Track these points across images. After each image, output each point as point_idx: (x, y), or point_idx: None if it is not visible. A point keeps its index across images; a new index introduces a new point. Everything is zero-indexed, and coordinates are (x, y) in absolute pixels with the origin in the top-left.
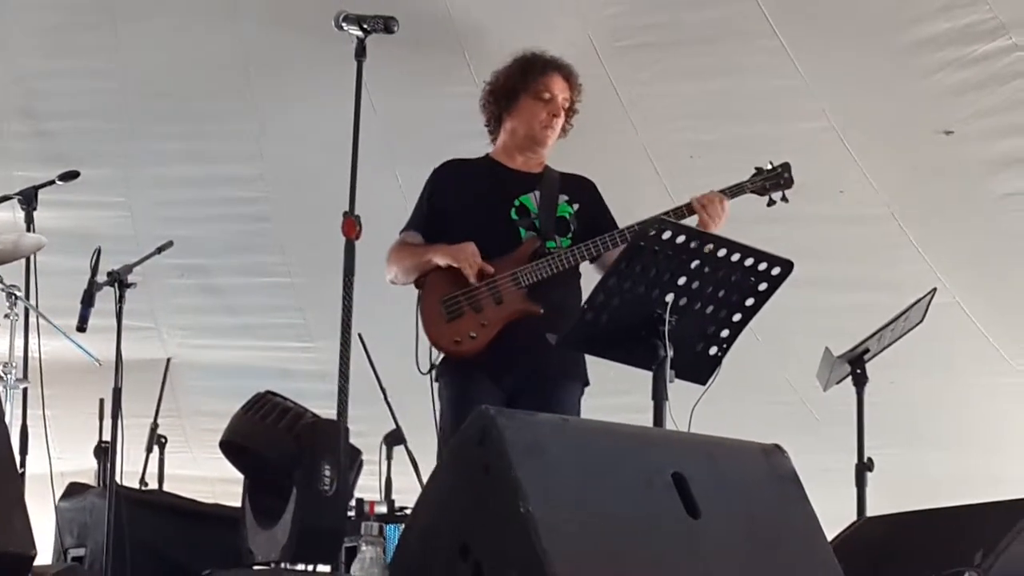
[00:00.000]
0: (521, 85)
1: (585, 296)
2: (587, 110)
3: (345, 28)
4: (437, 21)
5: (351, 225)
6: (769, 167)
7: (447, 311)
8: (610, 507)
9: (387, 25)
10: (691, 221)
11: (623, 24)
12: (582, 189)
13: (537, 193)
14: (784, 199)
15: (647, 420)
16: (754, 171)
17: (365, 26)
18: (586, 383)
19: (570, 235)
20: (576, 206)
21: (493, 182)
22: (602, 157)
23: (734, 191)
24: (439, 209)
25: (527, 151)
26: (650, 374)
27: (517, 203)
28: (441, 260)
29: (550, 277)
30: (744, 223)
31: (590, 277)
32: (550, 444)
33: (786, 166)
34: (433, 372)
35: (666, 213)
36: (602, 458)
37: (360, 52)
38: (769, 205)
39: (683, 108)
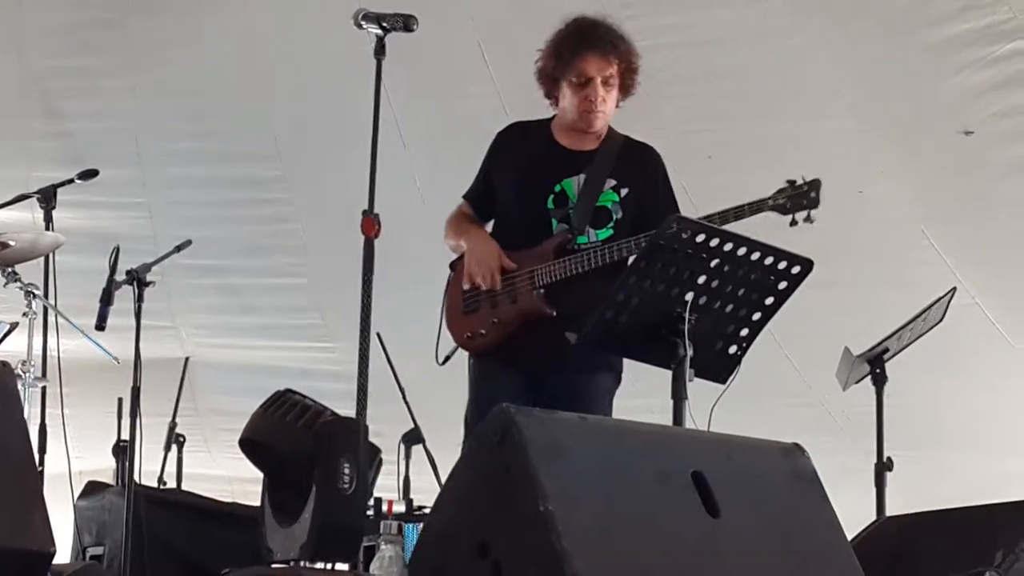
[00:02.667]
0: (557, 71)
1: None
2: None
3: (364, 26)
4: (457, 19)
5: (370, 224)
6: (797, 183)
7: (465, 303)
8: (630, 506)
9: (406, 23)
10: (737, 227)
11: (641, 25)
12: (639, 168)
13: (582, 178)
14: (809, 219)
15: (666, 420)
16: (781, 186)
17: (384, 24)
18: (617, 371)
19: (611, 226)
20: (625, 191)
21: (541, 160)
22: None
23: (753, 208)
24: (491, 183)
25: (577, 131)
26: (669, 373)
27: (558, 188)
28: (466, 257)
29: (572, 276)
30: (763, 223)
31: None
32: (569, 443)
33: (815, 184)
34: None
35: (708, 217)
36: (622, 457)
37: (379, 50)
38: (792, 225)
39: (701, 108)
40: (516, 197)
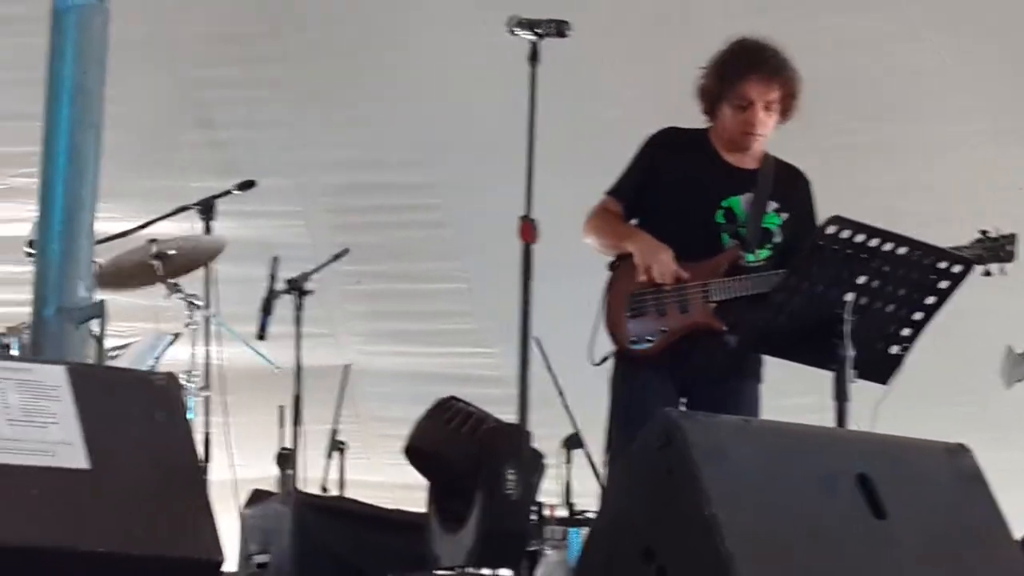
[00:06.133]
0: (719, 91)
1: None
2: None
3: (518, 33)
4: (611, 24)
5: (528, 228)
6: (992, 235)
7: (631, 306)
8: (794, 508)
9: (560, 29)
10: None
11: (796, 25)
12: (795, 194)
13: (749, 196)
14: (1003, 272)
15: (825, 420)
16: (976, 237)
17: (538, 30)
18: (760, 380)
19: (770, 246)
20: (785, 215)
21: (706, 173)
22: None
23: (951, 256)
24: (647, 184)
25: (736, 152)
26: (827, 374)
27: (725, 204)
28: (636, 259)
29: (743, 296)
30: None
31: None
32: (733, 446)
33: (1010, 239)
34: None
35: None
36: (785, 459)
37: (533, 56)
38: (985, 275)
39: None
40: (682, 206)
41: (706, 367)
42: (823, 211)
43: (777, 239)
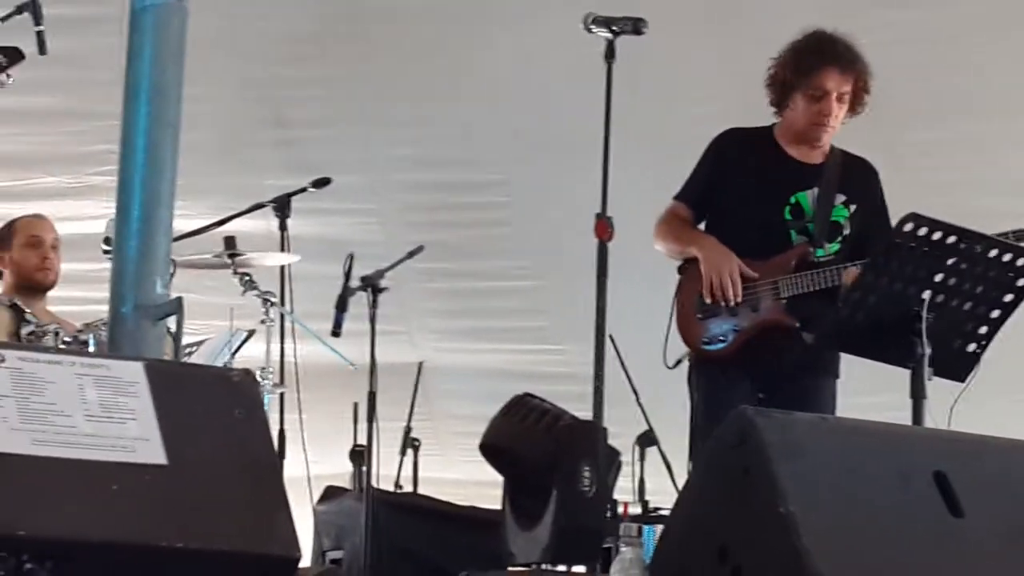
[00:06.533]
0: (793, 80)
1: None
2: None
3: (594, 30)
4: (687, 22)
5: (603, 227)
6: None
7: (701, 309)
8: (870, 506)
9: (636, 27)
10: None
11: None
12: (862, 185)
13: (815, 191)
14: None
15: (901, 419)
16: None
17: (614, 28)
18: (837, 376)
19: (840, 239)
20: (853, 207)
21: (772, 170)
22: None
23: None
24: (714, 187)
25: (804, 144)
26: (903, 371)
27: (793, 200)
28: (702, 265)
29: (814, 291)
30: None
31: None
32: (809, 443)
33: None
34: (684, 366)
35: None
36: (861, 457)
37: (609, 54)
38: None
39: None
40: (749, 205)
41: (780, 364)
42: (896, 209)
43: (846, 231)
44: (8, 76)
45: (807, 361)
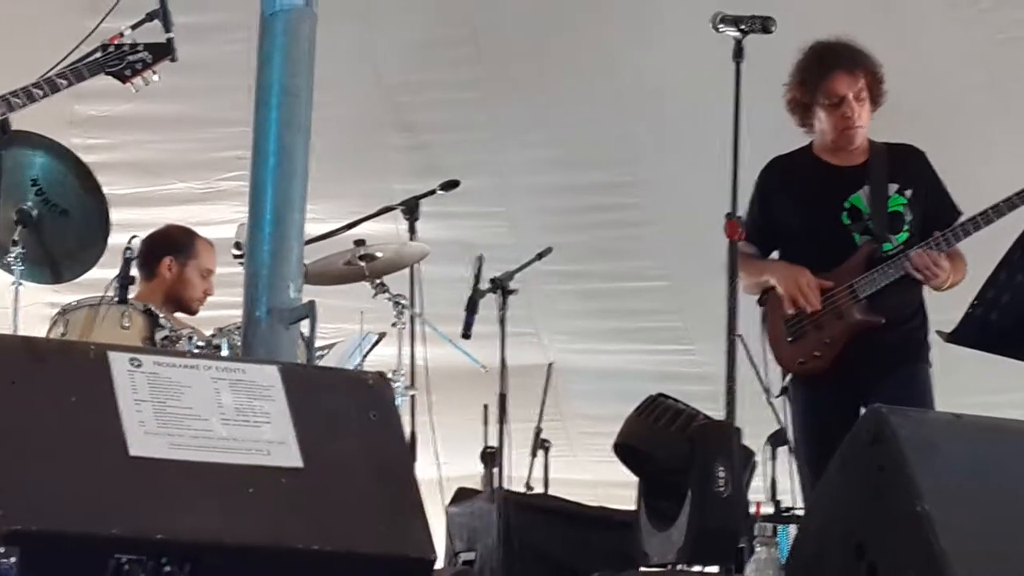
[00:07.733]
0: (808, 97)
1: (928, 292)
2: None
3: (722, 30)
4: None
5: (733, 227)
6: None
7: (790, 332)
8: (1007, 505)
9: (764, 25)
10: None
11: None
12: (913, 169)
13: (867, 189)
14: None
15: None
16: None
17: (742, 27)
18: (928, 364)
19: (905, 228)
20: (909, 192)
21: (819, 184)
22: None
23: None
24: (768, 218)
25: (841, 151)
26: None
27: (847, 205)
28: (778, 287)
29: (892, 282)
30: None
31: None
32: (943, 442)
33: None
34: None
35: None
36: (997, 455)
37: (738, 53)
38: None
39: None
40: (807, 223)
41: (876, 364)
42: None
43: (908, 218)
44: (154, 72)
45: (900, 354)
